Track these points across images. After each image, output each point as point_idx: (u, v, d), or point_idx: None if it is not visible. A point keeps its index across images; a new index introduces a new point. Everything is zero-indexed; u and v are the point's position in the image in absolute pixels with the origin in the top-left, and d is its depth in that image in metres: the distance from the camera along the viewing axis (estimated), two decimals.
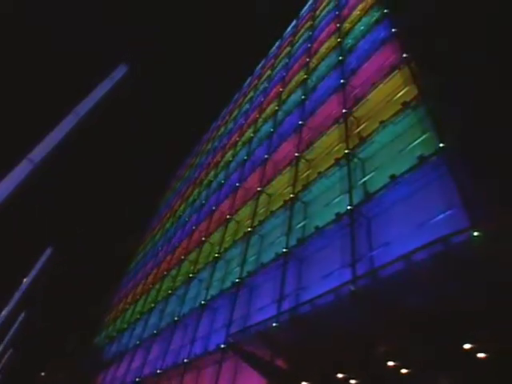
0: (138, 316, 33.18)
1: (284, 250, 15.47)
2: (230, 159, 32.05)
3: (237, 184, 26.34)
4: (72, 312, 70.81)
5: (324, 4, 32.26)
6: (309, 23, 33.79)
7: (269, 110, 29.65)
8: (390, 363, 9.74)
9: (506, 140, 9.15)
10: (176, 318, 24.01)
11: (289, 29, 42.69)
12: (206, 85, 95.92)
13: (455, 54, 11.72)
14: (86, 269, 76.93)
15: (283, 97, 27.92)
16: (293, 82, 27.84)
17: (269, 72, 38.32)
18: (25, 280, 72.29)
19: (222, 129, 45.48)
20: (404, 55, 14.50)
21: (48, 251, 74.55)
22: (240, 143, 32.52)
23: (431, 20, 13.46)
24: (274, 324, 12.30)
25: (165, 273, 32.17)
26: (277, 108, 27.50)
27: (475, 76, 10.68)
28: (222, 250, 22.96)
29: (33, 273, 71.22)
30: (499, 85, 10.03)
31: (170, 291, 28.12)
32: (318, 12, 33.06)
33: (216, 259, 22.89)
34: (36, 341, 70.73)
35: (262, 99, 33.69)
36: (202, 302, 21.22)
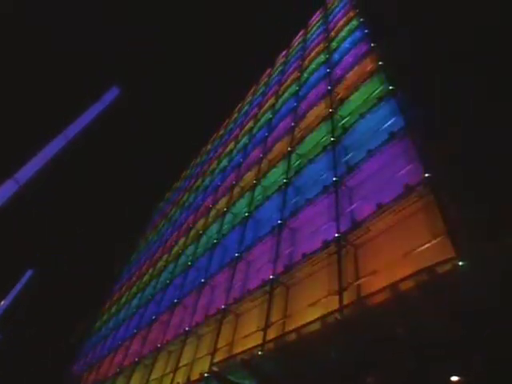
0: (120, 342, 32.22)
1: (271, 276, 15.35)
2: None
3: (225, 209, 26.38)
4: (50, 339, 68.36)
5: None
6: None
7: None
8: None
9: (489, 168, 9.40)
10: (159, 345, 23.37)
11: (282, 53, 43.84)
12: (206, 84, 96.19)
13: (443, 89, 12.14)
14: (66, 291, 74.76)
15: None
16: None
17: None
18: (2, 302, 70.02)
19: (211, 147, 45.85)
20: (390, 87, 14.96)
21: (28, 273, 72.68)
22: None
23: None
24: (260, 352, 12.09)
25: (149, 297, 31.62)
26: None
27: (468, 101, 11.05)
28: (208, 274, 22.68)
29: (11, 295, 69.12)
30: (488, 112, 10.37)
31: (153, 317, 27.47)
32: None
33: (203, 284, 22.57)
34: (13, 367, 67.65)
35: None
36: (187, 328, 20.75)
